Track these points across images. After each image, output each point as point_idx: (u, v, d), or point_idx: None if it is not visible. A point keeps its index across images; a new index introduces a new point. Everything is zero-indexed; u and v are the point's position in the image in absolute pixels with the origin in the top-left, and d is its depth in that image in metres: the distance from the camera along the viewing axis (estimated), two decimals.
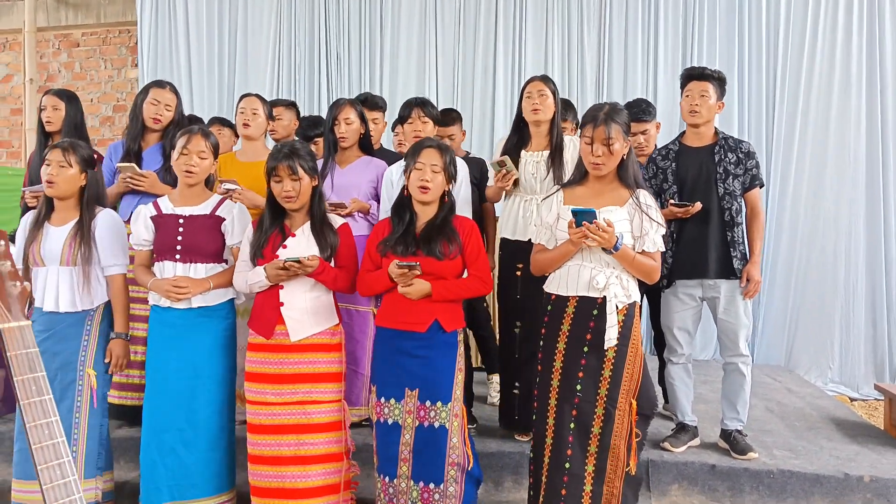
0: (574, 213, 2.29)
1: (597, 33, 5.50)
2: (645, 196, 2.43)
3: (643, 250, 2.39)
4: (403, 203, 2.54)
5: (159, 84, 3.33)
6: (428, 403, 2.42)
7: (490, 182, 3.20)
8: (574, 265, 2.40)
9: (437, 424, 2.41)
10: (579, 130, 2.58)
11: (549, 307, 2.46)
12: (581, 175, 2.50)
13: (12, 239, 3.91)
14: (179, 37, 6.10)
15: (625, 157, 2.41)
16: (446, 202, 2.52)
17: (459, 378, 2.47)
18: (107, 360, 2.65)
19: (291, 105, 3.79)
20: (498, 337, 3.34)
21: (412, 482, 2.41)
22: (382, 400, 2.48)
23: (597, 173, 2.42)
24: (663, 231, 2.44)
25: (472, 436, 2.58)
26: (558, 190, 2.53)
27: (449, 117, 3.73)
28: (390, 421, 2.46)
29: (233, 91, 5.97)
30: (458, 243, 2.46)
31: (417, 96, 3.44)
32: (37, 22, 6.47)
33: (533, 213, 3.01)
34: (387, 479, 2.46)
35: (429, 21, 5.70)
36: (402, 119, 3.34)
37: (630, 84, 5.40)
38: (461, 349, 2.50)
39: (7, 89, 7.15)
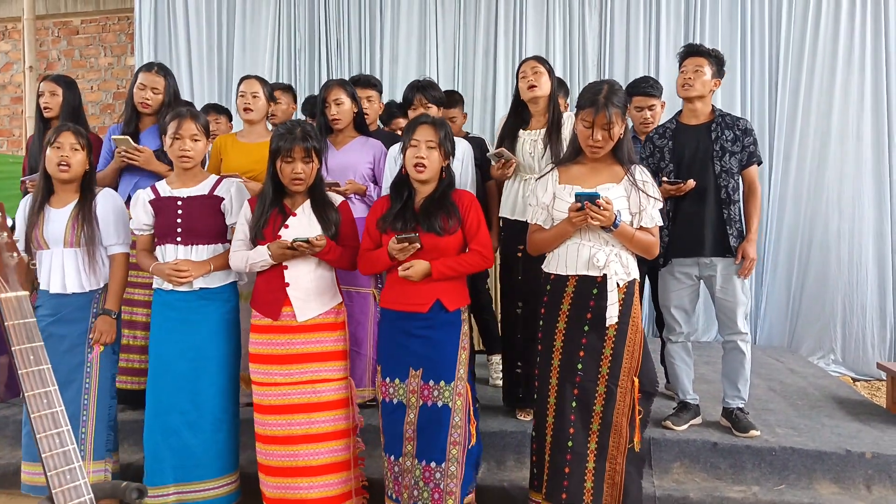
0: (578, 196, 2.27)
1: (598, 15, 5.44)
2: (641, 172, 2.41)
3: (641, 226, 2.38)
4: (402, 180, 2.53)
5: (147, 67, 3.26)
6: (431, 383, 2.43)
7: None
8: (573, 244, 2.39)
9: (440, 404, 2.41)
10: (573, 107, 2.55)
11: (548, 287, 2.45)
12: (575, 152, 2.47)
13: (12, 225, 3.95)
14: (178, 23, 6.05)
15: (621, 135, 2.39)
16: (444, 178, 2.50)
17: (463, 357, 2.46)
18: (90, 336, 2.63)
19: (288, 89, 3.76)
20: (500, 317, 3.33)
21: (416, 461, 2.42)
22: (387, 380, 2.49)
23: (595, 156, 2.40)
24: (660, 206, 2.43)
25: (477, 415, 2.56)
26: (552, 168, 2.51)
27: (452, 99, 3.70)
28: (395, 401, 2.47)
29: (232, 77, 5.92)
30: (457, 217, 2.45)
31: (420, 79, 3.36)
32: (36, 9, 6.42)
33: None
34: (392, 457, 2.48)
35: (429, 4, 5.64)
36: (406, 102, 3.29)
37: (632, 66, 5.34)
38: (465, 328, 2.49)
39: (7, 78, 7.14)
